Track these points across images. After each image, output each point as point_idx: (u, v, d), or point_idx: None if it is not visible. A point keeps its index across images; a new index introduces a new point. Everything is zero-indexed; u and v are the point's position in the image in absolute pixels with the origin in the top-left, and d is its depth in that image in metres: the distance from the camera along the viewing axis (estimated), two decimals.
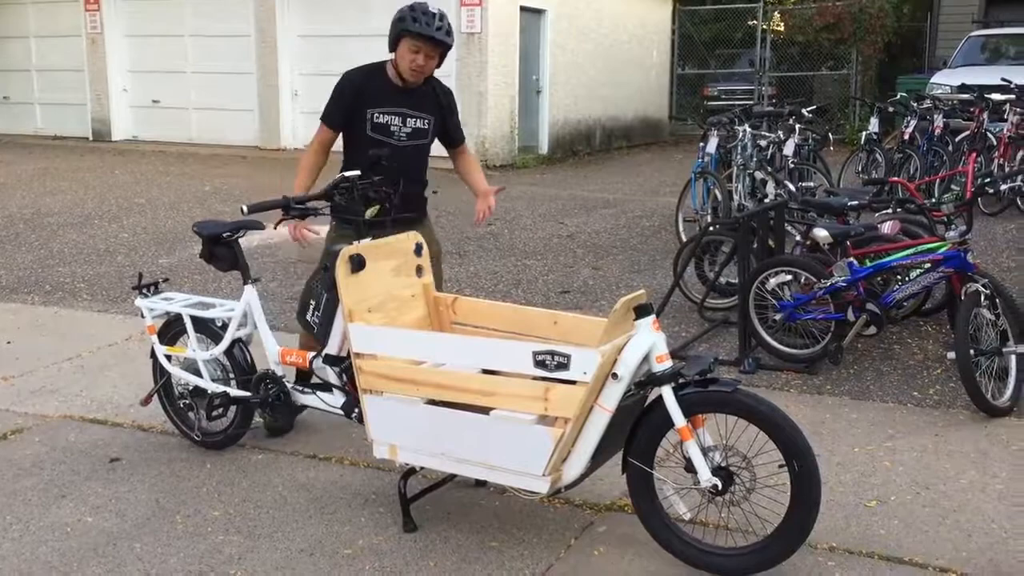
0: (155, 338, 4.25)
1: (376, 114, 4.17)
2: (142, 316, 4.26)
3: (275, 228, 4.05)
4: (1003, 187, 8.99)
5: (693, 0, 20.55)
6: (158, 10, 15.98)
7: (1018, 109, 10.25)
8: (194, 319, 4.10)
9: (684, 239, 7.80)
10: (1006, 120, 10.15)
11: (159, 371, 4.31)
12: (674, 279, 6.26)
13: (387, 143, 4.13)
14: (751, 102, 17.00)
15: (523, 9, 14.42)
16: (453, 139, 4.43)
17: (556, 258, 8.11)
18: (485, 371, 3.35)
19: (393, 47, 4.10)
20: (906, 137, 10.72)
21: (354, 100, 4.20)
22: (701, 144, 8.97)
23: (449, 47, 4.07)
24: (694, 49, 20.03)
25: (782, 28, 19.59)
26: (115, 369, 5.36)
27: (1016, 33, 15.21)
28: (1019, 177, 9.31)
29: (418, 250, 3.83)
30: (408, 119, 4.20)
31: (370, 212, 3.74)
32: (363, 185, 3.75)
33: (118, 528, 3.59)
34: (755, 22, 18.91)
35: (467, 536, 3.48)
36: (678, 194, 8.93)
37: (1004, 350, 4.70)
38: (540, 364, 3.11)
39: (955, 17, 18.12)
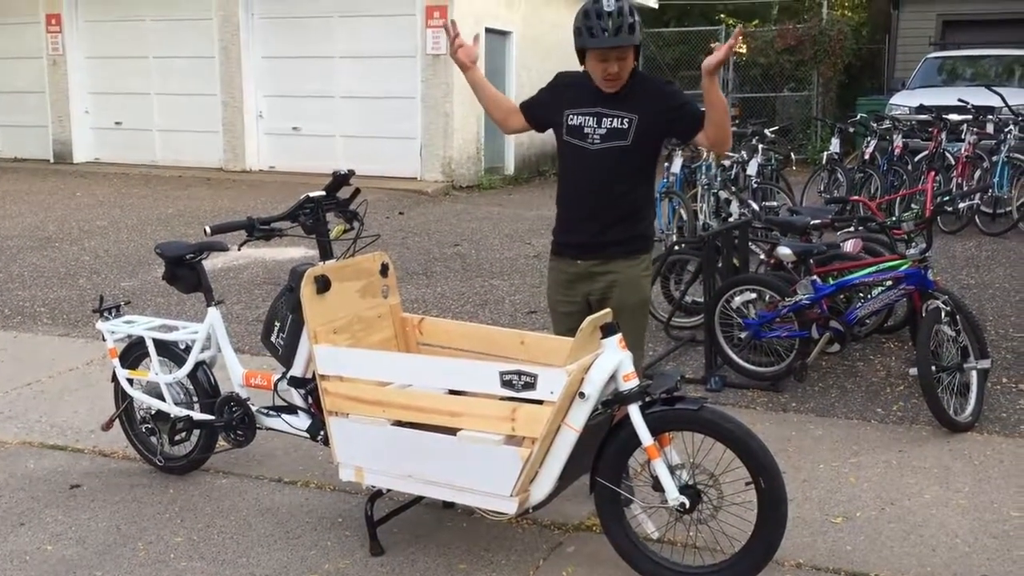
0: (117, 362, 4.19)
1: (572, 116, 3.65)
2: (103, 339, 4.20)
3: (239, 249, 4.02)
4: (961, 205, 9.16)
5: (657, 22, 20.77)
6: (121, 32, 15.86)
7: (975, 129, 10.45)
8: (157, 342, 4.05)
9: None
10: (963, 140, 10.34)
11: (121, 395, 4.25)
12: None
13: (582, 149, 3.64)
14: None
15: (488, 31, 14.49)
16: (688, 128, 3.60)
17: (523, 278, 8.11)
18: (452, 392, 3.34)
19: (581, 60, 3.58)
20: (867, 157, 10.89)
21: (553, 97, 3.76)
22: (666, 164, 9.04)
23: (637, 42, 3.47)
24: (658, 71, 20.22)
25: (744, 50, 19.82)
26: (76, 394, 5.27)
27: (972, 55, 15.51)
28: (977, 195, 9.48)
29: (384, 270, 3.82)
30: (604, 119, 3.59)
31: (336, 232, 3.72)
32: (327, 205, 3.73)
33: (79, 556, 3.52)
34: (717, 44, 19.13)
35: (435, 559, 3.45)
36: None
37: (965, 366, 4.76)
38: (507, 384, 3.10)
39: (913, 39, 18.45)
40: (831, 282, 5.17)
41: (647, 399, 3.11)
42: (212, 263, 8.13)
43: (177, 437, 4.00)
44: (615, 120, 3.58)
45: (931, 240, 5.12)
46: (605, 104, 3.60)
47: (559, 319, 3.84)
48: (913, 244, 5.07)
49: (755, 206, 8.54)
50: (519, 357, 3.56)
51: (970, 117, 10.77)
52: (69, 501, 3.97)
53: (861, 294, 5.27)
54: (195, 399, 4.05)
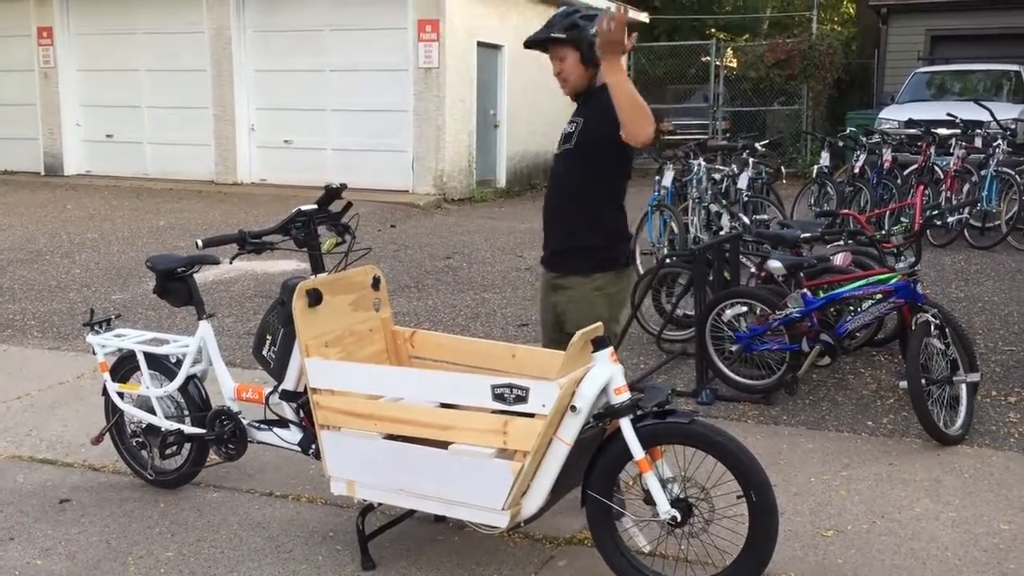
0: (107, 375, 4.17)
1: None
2: (94, 353, 4.19)
3: (230, 263, 4.01)
4: (950, 219, 9.13)
5: (648, 37, 20.88)
6: (113, 45, 15.87)
7: (964, 143, 10.51)
8: (148, 356, 4.04)
9: (641, 271, 7.87)
10: (952, 154, 10.41)
11: (111, 409, 4.23)
12: (631, 311, 6.29)
13: (554, 155, 3.80)
14: (705, 136, 17.25)
15: (480, 44, 14.54)
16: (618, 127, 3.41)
17: (515, 291, 8.12)
18: (443, 405, 3.34)
19: None
20: (856, 170, 10.95)
21: None
22: (657, 178, 9.07)
23: (568, 39, 3.58)
24: (649, 84, 20.30)
25: (735, 64, 19.95)
26: (66, 408, 5.25)
27: (960, 70, 15.63)
28: (966, 209, 9.51)
29: (375, 284, 3.82)
30: (568, 125, 3.75)
31: (327, 245, 3.73)
32: (319, 218, 3.74)
33: (68, 571, 3.50)
34: (708, 58, 19.25)
35: (426, 573, 3.44)
36: (634, 227, 8.99)
37: (955, 379, 4.78)
38: (499, 397, 3.10)
39: (901, 54, 18.58)
40: (821, 295, 5.18)
41: (638, 412, 3.12)
42: (203, 276, 8.12)
43: (168, 451, 3.98)
44: (571, 125, 3.75)
45: (920, 253, 5.15)
46: (575, 112, 3.78)
47: (541, 327, 4.00)
48: (902, 257, 5.10)
49: (746, 219, 8.57)
50: (511, 370, 3.56)
51: (959, 131, 10.84)
52: (59, 516, 3.96)
53: (851, 307, 5.28)
54: (186, 413, 4.03)
